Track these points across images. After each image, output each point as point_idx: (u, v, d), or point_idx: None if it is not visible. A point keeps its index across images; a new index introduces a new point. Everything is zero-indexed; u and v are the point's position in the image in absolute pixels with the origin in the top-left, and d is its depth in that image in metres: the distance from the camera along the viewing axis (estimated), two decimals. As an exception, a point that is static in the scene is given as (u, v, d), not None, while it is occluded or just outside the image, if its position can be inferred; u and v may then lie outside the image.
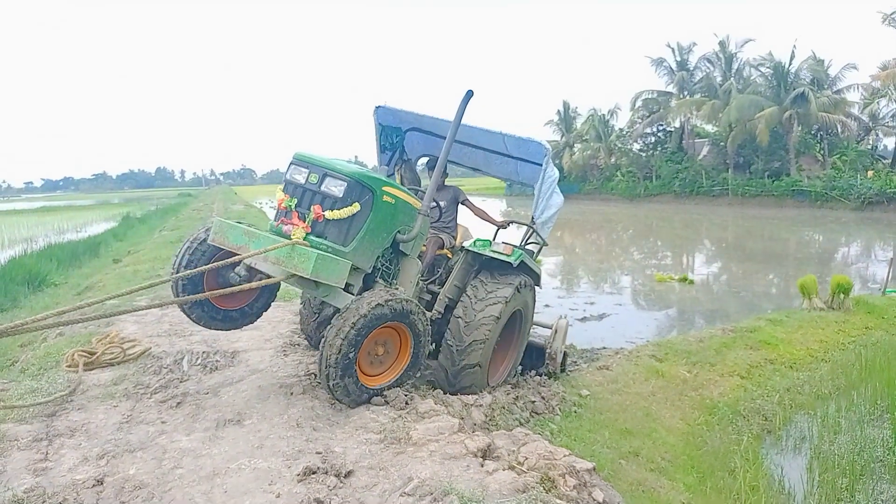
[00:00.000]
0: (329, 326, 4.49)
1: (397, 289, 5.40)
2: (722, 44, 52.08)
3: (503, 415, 5.64)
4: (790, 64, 46.50)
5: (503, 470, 3.77)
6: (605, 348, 10.05)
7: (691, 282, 17.31)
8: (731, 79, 50.20)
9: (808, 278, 12.53)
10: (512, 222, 7.27)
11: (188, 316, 5.29)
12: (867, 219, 35.90)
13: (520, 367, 7.34)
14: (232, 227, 4.74)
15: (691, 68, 54.88)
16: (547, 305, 14.03)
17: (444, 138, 6.73)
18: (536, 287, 6.82)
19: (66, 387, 5.39)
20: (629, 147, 60.03)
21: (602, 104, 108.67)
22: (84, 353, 6.05)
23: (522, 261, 6.24)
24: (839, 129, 46.12)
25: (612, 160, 60.49)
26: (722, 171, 50.50)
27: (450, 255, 6.75)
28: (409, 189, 6.57)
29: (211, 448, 4.18)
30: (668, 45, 57.19)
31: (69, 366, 5.90)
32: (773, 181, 45.79)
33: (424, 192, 6.57)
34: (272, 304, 5.85)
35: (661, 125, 57.74)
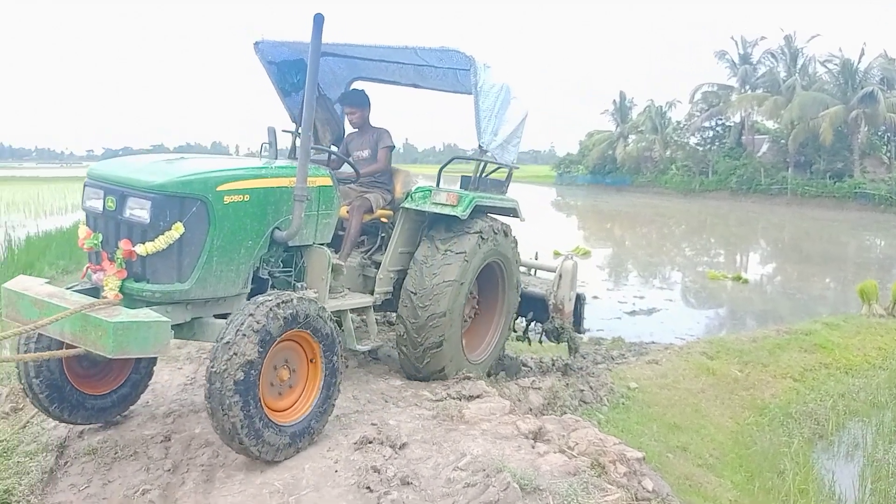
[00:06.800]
0: (205, 391, 3.32)
1: (303, 291, 4.18)
2: (788, 38, 50.55)
3: (560, 400, 5.66)
4: (859, 62, 44.95)
5: (554, 453, 3.83)
6: (653, 343, 9.99)
7: (745, 281, 16.99)
8: (796, 75, 48.71)
9: (868, 283, 12.21)
10: (453, 159, 5.94)
11: (67, 421, 3.89)
12: (933, 226, 34.57)
13: (526, 323, 6.77)
14: (20, 296, 3.43)
15: (754, 62, 53.41)
16: (595, 297, 13.96)
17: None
18: (518, 219, 5.77)
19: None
20: (686, 140, 58.92)
21: (659, 96, 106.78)
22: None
23: (480, 204, 5.16)
24: (908, 132, 44.47)
25: (668, 153, 59.47)
26: (781, 170, 49.19)
27: (385, 219, 5.50)
28: (317, 147, 5.21)
29: (271, 413, 4.33)
30: (732, 38, 55.78)
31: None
32: (835, 182, 44.47)
33: (343, 144, 5.67)
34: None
35: (720, 119, 56.49)
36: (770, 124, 54.09)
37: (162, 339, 3.27)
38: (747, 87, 53.43)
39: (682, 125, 59.79)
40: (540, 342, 7.26)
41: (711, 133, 57.71)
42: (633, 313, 13.12)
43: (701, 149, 57.43)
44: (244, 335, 3.27)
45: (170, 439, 3.95)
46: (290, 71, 5.77)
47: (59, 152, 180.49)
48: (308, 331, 3.64)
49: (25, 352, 3.61)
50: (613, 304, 13.67)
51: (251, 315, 3.33)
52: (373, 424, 4.11)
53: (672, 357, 8.31)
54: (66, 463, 3.72)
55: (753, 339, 9.46)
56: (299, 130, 5.23)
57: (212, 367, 3.26)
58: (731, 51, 54.32)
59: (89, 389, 3.95)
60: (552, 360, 7.36)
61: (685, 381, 7.55)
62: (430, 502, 3.27)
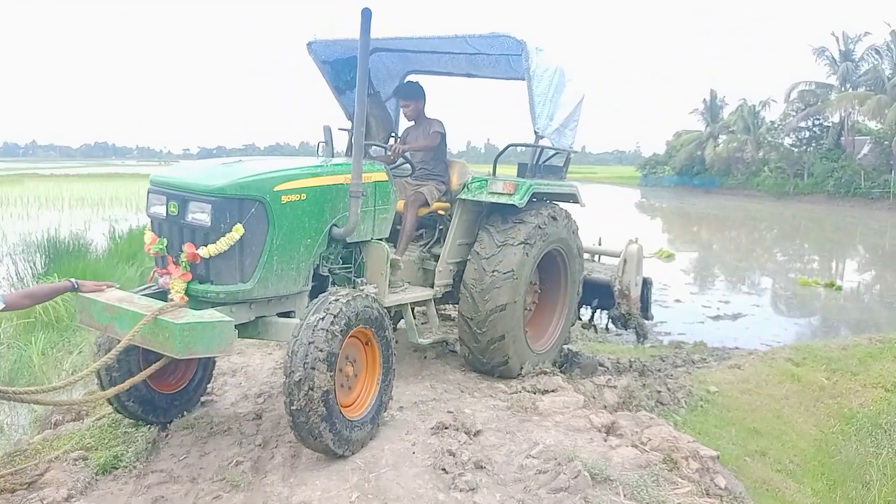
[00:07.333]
0: (289, 423, 3.45)
1: (363, 287, 4.33)
2: (894, 34, 47.70)
3: (636, 400, 5.67)
4: (975, 57, 41.97)
5: (626, 447, 3.89)
6: (737, 349, 9.75)
7: (839, 288, 16.24)
8: (903, 72, 45.95)
9: (975, 293, 11.49)
10: (508, 146, 5.75)
11: (164, 422, 4.15)
12: None
13: (591, 311, 6.61)
14: (92, 302, 3.58)
15: (856, 59, 50.68)
16: (678, 301, 13.72)
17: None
18: (579, 204, 5.67)
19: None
20: (780, 141, 56.42)
21: (752, 95, 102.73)
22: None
23: (538, 191, 5.09)
24: None
25: (760, 154, 57.12)
26: (884, 173, 46.43)
27: (442, 211, 5.42)
28: (373, 143, 5.33)
29: (353, 398, 4.56)
30: (833, 34, 53.08)
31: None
32: (944, 187, 41.71)
33: (397, 139, 5.64)
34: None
35: (818, 119, 53.72)
36: (872, 125, 51.13)
37: (226, 339, 3.38)
38: (848, 85, 50.78)
39: (776, 125, 57.34)
40: (606, 329, 7.15)
41: (808, 133, 54.99)
42: (717, 318, 12.81)
43: (796, 150, 54.84)
44: (313, 368, 3.31)
45: (261, 417, 4.25)
46: (343, 69, 5.78)
47: (157, 150, 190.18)
48: (360, 325, 3.68)
49: (109, 380, 3.74)
50: (697, 308, 13.38)
51: (311, 343, 3.34)
52: (449, 412, 4.29)
53: (755, 362, 8.12)
54: (167, 435, 4.04)
55: (843, 346, 9.10)
56: None
57: (292, 406, 3.33)
58: (832, 47, 51.80)
59: (170, 389, 4.17)
60: (629, 361, 7.34)
61: (768, 386, 7.37)
62: (502, 486, 3.41)
